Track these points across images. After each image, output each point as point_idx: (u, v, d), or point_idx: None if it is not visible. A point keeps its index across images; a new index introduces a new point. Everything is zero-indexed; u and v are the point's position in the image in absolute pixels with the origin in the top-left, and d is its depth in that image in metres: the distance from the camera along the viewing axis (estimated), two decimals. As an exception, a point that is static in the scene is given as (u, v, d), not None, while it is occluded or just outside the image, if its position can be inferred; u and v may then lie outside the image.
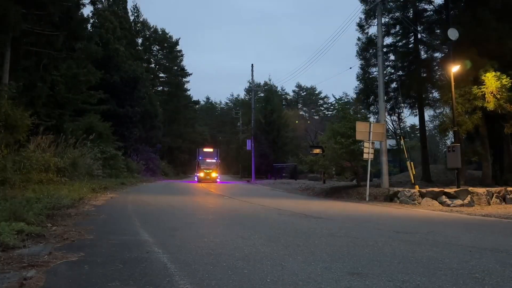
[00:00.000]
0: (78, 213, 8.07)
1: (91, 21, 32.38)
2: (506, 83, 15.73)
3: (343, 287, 3.31)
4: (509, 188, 15.56)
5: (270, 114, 49.85)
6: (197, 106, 77.67)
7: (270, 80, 74.11)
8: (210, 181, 33.44)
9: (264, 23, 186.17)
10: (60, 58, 17.80)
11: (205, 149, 39.69)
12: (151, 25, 61.93)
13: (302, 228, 7.04)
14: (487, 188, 15.05)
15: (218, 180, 35.08)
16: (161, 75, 65.37)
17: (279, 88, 68.12)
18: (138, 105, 36.80)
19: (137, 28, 57.77)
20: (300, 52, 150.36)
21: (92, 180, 16.58)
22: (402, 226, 7.88)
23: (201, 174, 34.50)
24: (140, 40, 57.70)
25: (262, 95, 61.41)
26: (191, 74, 67.34)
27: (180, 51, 65.14)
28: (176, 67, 65.16)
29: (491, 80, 15.91)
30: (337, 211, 11.32)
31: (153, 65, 62.19)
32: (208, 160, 36.48)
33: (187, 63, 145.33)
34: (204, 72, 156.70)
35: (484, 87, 16.18)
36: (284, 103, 72.21)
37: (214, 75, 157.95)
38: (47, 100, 19.65)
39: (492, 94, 15.97)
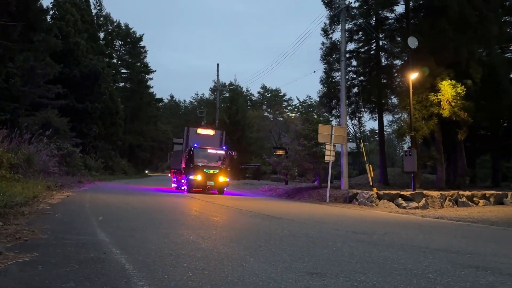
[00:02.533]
0: (32, 212, 7.74)
1: (51, 12, 31.33)
2: (461, 91, 16.48)
3: (302, 287, 3.35)
4: (461, 192, 16.32)
5: (235, 114, 49.81)
6: (160, 104, 76.65)
7: (235, 80, 74.28)
8: (207, 191, 19.74)
9: (231, 24, 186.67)
10: (17, 49, 17.02)
11: (201, 131, 22.87)
12: (114, 20, 60.60)
13: (264, 229, 7.08)
14: (441, 192, 15.71)
15: (225, 189, 20.55)
16: (123, 71, 64.03)
17: (244, 89, 68.26)
18: (98, 101, 35.78)
19: (100, 22, 56.30)
20: (267, 54, 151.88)
21: (47, 177, 15.98)
22: (360, 227, 8.09)
23: (198, 177, 19.18)
24: (102, 35, 56.26)
25: (227, 95, 61.31)
26: (154, 71, 66.58)
27: (143, 47, 64.19)
28: (139, 64, 64.03)
29: (447, 88, 16.62)
30: (298, 212, 11.47)
31: (115, 61, 60.78)
32: (210, 151, 20.41)
33: (152, 60, 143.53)
34: (169, 70, 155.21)
35: (440, 95, 16.88)
36: (249, 103, 72.35)
37: (179, 73, 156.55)
38: (1, 93, 18.78)
39: (447, 102, 16.69)
